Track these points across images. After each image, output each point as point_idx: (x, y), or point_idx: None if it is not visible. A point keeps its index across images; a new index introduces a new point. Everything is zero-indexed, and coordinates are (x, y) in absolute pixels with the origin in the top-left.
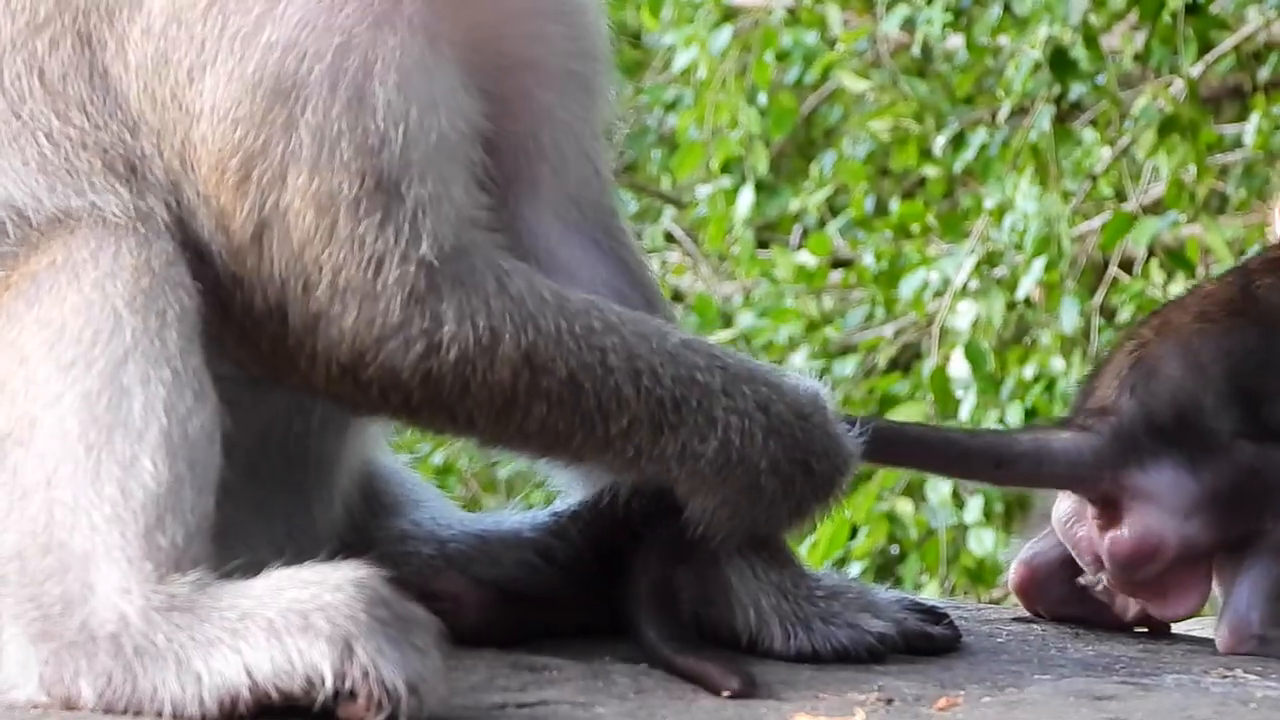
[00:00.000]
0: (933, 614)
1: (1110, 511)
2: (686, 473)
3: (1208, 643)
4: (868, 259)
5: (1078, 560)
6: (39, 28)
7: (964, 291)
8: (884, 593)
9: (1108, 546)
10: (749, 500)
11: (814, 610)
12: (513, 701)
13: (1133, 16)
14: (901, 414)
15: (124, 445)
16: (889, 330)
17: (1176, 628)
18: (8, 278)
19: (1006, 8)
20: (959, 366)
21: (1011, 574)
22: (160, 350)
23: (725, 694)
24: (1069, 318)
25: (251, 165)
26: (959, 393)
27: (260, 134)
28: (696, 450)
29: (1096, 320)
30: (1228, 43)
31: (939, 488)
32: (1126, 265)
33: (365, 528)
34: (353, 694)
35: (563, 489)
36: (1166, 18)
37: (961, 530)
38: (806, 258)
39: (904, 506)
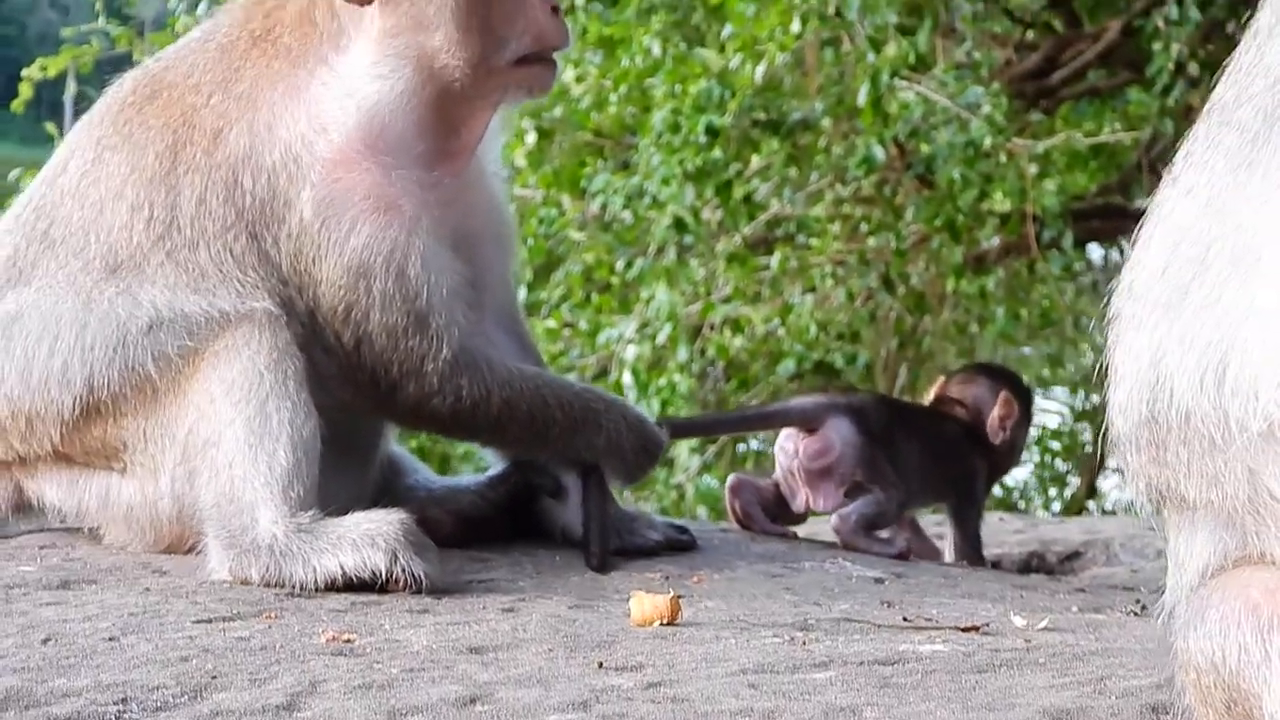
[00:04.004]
0: (681, 529)
1: (809, 431)
2: (590, 454)
3: (828, 543)
4: (582, 324)
5: (781, 460)
6: (228, 228)
7: (631, 340)
8: (657, 517)
9: (804, 446)
10: (622, 465)
11: (624, 527)
12: (474, 579)
13: (710, 197)
14: None
15: (270, 444)
16: (592, 360)
17: (802, 533)
18: (206, 350)
19: (654, 198)
20: (627, 379)
21: (729, 483)
22: (285, 391)
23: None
24: (683, 354)
25: (350, 310)
26: (628, 393)
27: (353, 294)
28: (593, 443)
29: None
30: (763, 217)
31: None
32: (712, 328)
33: (389, 485)
34: (396, 580)
35: (492, 461)
36: (732, 201)
37: None
38: (551, 324)
39: None
